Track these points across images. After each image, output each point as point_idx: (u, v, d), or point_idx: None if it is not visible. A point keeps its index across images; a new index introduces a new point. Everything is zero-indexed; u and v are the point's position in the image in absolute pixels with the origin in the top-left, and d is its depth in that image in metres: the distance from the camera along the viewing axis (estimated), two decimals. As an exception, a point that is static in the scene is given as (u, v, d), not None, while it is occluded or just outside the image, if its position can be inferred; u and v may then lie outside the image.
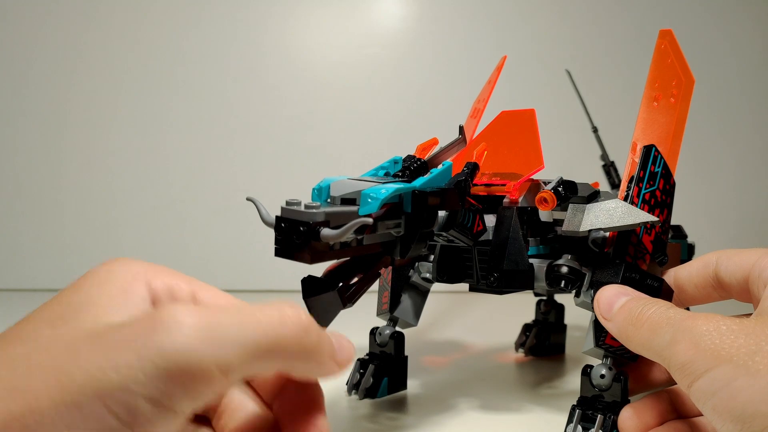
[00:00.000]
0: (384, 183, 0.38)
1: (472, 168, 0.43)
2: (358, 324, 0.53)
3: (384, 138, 1.03)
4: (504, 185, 0.46)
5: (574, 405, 0.43)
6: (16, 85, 1.01)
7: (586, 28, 1.16)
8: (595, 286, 0.43)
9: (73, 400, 0.21)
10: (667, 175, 0.46)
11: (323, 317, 0.37)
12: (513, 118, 0.51)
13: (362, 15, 1.07)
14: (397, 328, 0.54)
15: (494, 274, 0.45)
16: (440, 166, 0.41)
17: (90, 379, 0.22)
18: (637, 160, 0.46)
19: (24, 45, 1.01)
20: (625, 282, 0.42)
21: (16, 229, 1.03)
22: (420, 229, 0.38)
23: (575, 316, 0.61)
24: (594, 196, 0.45)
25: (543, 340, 0.65)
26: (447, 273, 0.48)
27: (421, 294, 0.55)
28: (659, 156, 0.46)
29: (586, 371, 0.43)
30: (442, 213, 0.42)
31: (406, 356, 0.55)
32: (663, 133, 0.49)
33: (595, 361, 0.43)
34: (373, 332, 0.54)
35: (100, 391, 0.22)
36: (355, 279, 0.37)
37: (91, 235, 1.01)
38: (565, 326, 0.67)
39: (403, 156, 0.45)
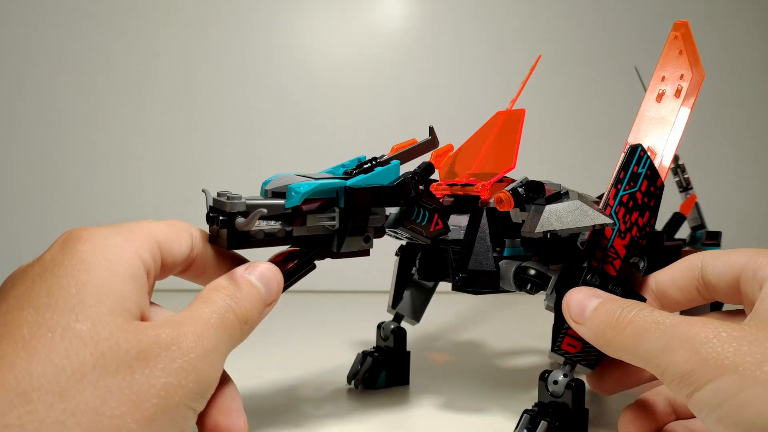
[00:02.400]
0: (324, 179, 0.40)
1: (425, 167, 0.43)
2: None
3: (385, 137, 1.02)
4: (474, 185, 0.46)
5: (525, 409, 0.42)
6: (18, 84, 1.03)
7: (589, 27, 1.14)
8: (558, 289, 0.42)
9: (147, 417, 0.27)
10: (653, 177, 0.43)
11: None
12: (504, 118, 0.50)
13: (365, 15, 1.08)
14: (404, 324, 0.55)
15: (459, 273, 0.45)
16: (387, 165, 0.42)
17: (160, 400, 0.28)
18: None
19: (24, 45, 1.03)
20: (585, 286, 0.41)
21: (16, 228, 1.04)
22: (352, 223, 0.40)
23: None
24: (557, 196, 0.43)
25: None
26: (427, 271, 0.49)
27: (425, 291, 0.55)
28: (645, 156, 0.44)
29: (543, 376, 0.42)
30: (393, 210, 0.43)
31: (409, 352, 0.56)
32: (661, 132, 0.46)
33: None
34: (379, 327, 0.56)
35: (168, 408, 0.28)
36: (289, 266, 0.40)
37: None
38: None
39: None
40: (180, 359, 0.29)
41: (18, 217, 1.04)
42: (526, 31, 1.12)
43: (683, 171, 0.69)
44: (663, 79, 0.48)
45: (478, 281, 0.45)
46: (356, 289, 1.04)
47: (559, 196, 0.43)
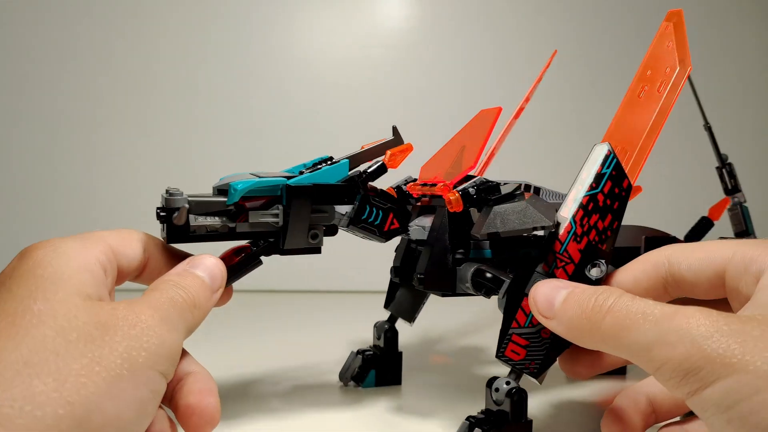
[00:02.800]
0: (267, 177, 0.41)
1: (378, 167, 0.43)
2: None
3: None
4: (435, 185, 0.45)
5: (469, 416, 0.41)
6: (18, 84, 1.03)
7: (589, 28, 1.11)
8: (509, 294, 0.41)
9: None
10: (619, 178, 0.41)
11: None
12: (483, 116, 0.49)
13: (365, 15, 1.07)
14: (403, 325, 0.55)
15: (419, 274, 0.45)
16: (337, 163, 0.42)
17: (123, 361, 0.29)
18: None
19: (24, 44, 1.03)
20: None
21: (16, 228, 1.05)
22: (294, 221, 0.41)
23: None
24: (509, 197, 0.42)
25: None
26: (399, 271, 0.49)
27: (418, 292, 0.55)
28: (611, 156, 0.41)
29: (490, 383, 0.41)
30: (346, 208, 0.44)
31: (401, 352, 0.55)
32: (638, 129, 0.43)
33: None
34: (375, 326, 0.56)
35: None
36: (235, 261, 0.41)
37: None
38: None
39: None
40: (138, 326, 0.30)
41: (18, 216, 1.05)
42: (527, 31, 1.10)
43: (731, 172, 0.63)
44: (648, 73, 0.44)
45: (434, 282, 0.44)
46: (360, 290, 1.04)
47: (512, 196, 0.42)
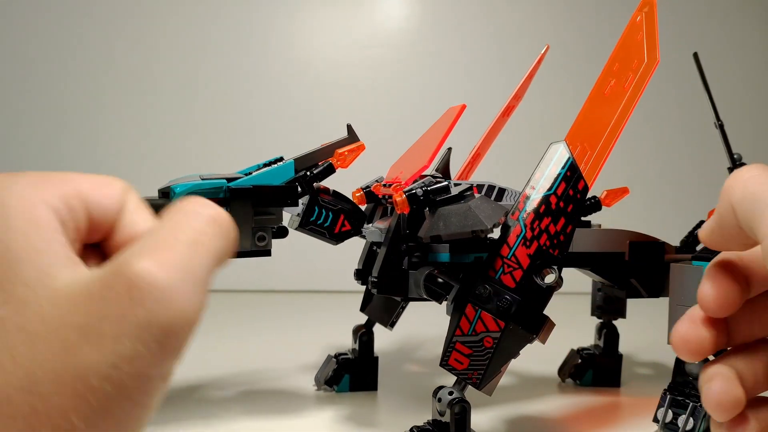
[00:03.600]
0: (211, 179, 0.41)
1: (325, 168, 0.42)
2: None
3: (387, 137, 0.95)
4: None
5: (414, 426, 0.39)
6: (18, 83, 1.05)
7: (590, 28, 1.09)
8: (456, 300, 0.39)
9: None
10: (574, 179, 0.38)
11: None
12: (449, 113, 0.47)
13: (366, 16, 1.06)
14: (385, 331, 0.54)
15: (372, 278, 0.43)
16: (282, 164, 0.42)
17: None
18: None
19: (24, 45, 1.04)
20: (474, 298, 0.37)
21: None
22: (236, 223, 0.40)
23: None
24: (457, 198, 0.40)
25: (594, 369, 0.56)
26: (363, 276, 0.48)
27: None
28: (567, 155, 0.39)
29: (436, 392, 0.39)
30: (298, 209, 0.43)
31: (377, 357, 0.54)
32: (601, 127, 0.40)
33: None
34: (354, 330, 0.55)
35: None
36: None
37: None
38: (620, 356, 0.56)
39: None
40: None
41: None
42: (527, 31, 1.09)
43: (742, 173, 0.59)
44: (615, 67, 0.42)
45: (388, 286, 0.43)
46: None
47: (460, 197, 0.40)
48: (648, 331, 0.61)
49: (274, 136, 1.07)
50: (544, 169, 0.39)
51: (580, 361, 0.56)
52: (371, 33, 1.07)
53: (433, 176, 0.44)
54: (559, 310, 0.90)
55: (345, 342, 0.60)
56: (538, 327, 0.37)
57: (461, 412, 0.37)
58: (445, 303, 0.41)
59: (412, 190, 0.40)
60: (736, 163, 0.59)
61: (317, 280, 1.05)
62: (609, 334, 0.56)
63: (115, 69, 1.05)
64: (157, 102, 1.06)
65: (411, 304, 0.50)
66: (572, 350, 0.58)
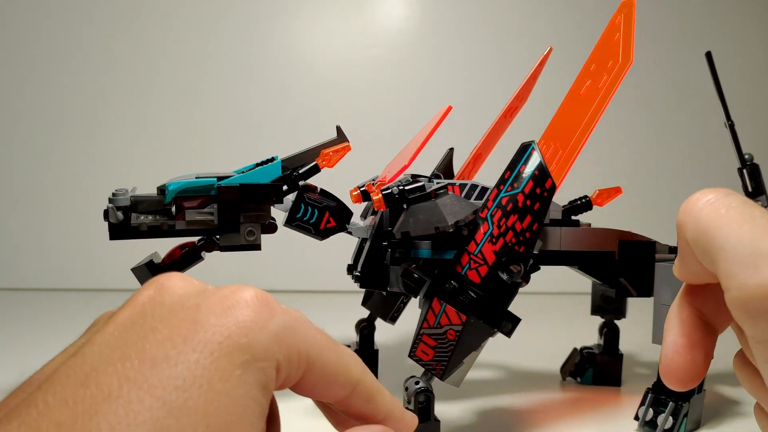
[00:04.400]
0: (203, 177, 0.44)
1: (310, 167, 0.45)
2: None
3: (387, 136, 0.94)
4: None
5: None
6: (18, 84, 1.04)
7: (590, 28, 1.01)
8: (427, 296, 0.41)
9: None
10: (541, 179, 0.39)
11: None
12: (437, 115, 0.49)
13: (366, 16, 1.06)
14: (386, 325, 0.56)
15: (356, 272, 0.46)
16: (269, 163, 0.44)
17: None
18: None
19: (25, 45, 1.04)
20: (440, 292, 0.39)
21: (16, 229, 1.04)
22: (227, 219, 0.43)
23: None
24: (426, 196, 0.41)
25: (594, 368, 0.56)
26: (350, 268, 0.50)
27: (392, 291, 0.55)
28: (536, 155, 0.40)
29: (404, 383, 0.41)
30: (282, 207, 0.45)
31: (377, 350, 0.56)
32: (574, 127, 0.41)
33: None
34: (357, 323, 0.57)
35: None
36: (174, 258, 0.45)
37: (92, 235, 0.90)
38: (621, 355, 0.56)
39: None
40: None
41: (18, 215, 1.05)
42: (528, 31, 1.07)
43: (753, 174, 0.58)
44: (592, 67, 0.42)
45: (369, 280, 0.45)
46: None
47: (429, 196, 0.41)
48: (650, 331, 0.61)
49: (274, 136, 1.07)
50: (513, 168, 0.40)
51: (579, 359, 0.56)
52: (371, 33, 1.08)
53: (414, 176, 0.45)
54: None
55: (345, 341, 0.62)
56: (500, 321, 0.39)
57: (425, 401, 0.39)
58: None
59: (388, 189, 0.42)
60: (746, 163, 0.58)
61: (317, 280, 1.07)
62: (610, 334, 0.56)
63: (115, 69, 1.06)
64: (157, 101, 1.07)
65: (414, 299, 0.52)
66: (575, 349, 0.58)
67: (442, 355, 0.39)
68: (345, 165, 1.14)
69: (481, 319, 0.38)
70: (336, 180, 0.56)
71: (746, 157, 0.59)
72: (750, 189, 0.57)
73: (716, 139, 1.04)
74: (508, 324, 0.39)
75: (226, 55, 1.08)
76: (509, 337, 0.40)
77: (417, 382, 0.40)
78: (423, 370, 0.40)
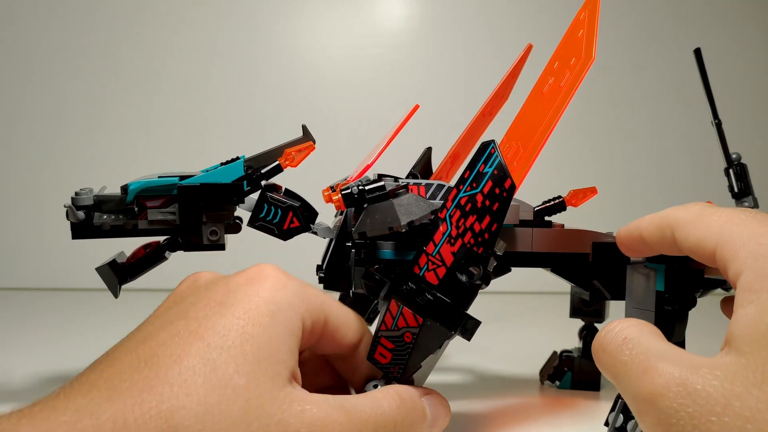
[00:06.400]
0: (164, 177, 0.44)
1: (273, 167, 0.44)
2: None
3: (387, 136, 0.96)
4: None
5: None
6: (18, 85, 1.05)
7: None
8: (386, 298, 0.40)
9: None
10: (500, 178, 0.39)
11: (109, 286, 0.45)
12: (410, 113, 0.48)
13: (366, 15, 1.05)
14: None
15: (320, 273, 0.45)
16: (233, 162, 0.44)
17: None
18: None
19: (25, 45, 1.05)
20: (399, 294, 0.38)
21: (16, 229, 1.06)
22: (188, 218, 0.43)
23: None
24: (385, 196, 0.41)
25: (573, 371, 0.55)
26: (319, 269, 0.49)
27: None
28: (495, 154, 0.39)
29: (364, 387, 0.40)
30: (246, 207, 0.45)
31: (353, 352, 0.56)
32: (535, 126, 0.40)
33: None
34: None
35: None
36: (137, 257, 0.44)
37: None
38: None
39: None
40: None
41: (19, 216, 1.07)
42: (527, 31, 1.07)
43: (740, 174, 0.56)
44: (555, 65, 0.41)
45: (333, 281, 0.44)
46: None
47: (388, 195, 0.40)
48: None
49: (274, 136, 1.05)
50: (473, 168, 0.39)
51: (557, 363, 0.55)
52: (371, 33, 1.08)
53: (380, 175, 0.45)
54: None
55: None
56: (458, 324, 0.38)
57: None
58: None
59: (348, 188, 0.41)
60: (733, 163, 0.57)
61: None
62: (589, 337, 0.55)
63: (115, 69, 1.07)
64: (158, 102, 1.07)
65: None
66: (554, 352, 0.57)
67: (400, 358, 0.38)
68: (345, 165, 1.14)
69: (438, 321, 0.38)
70: (336, 180, 0.55)
71: (733, 156, 0.57)
72: (736, 190, 0.56)
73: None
74: (468, 326, 0.39)
75: (226, 54, 1.08)
76: (469, 340, 0.39)
77: (375, 386, 0.39)
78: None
